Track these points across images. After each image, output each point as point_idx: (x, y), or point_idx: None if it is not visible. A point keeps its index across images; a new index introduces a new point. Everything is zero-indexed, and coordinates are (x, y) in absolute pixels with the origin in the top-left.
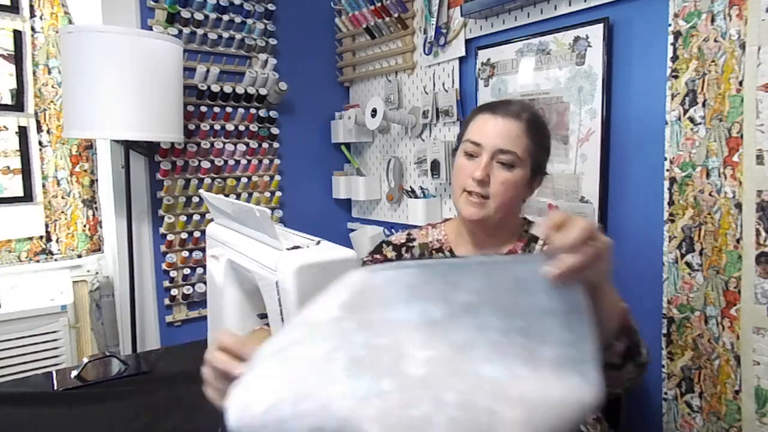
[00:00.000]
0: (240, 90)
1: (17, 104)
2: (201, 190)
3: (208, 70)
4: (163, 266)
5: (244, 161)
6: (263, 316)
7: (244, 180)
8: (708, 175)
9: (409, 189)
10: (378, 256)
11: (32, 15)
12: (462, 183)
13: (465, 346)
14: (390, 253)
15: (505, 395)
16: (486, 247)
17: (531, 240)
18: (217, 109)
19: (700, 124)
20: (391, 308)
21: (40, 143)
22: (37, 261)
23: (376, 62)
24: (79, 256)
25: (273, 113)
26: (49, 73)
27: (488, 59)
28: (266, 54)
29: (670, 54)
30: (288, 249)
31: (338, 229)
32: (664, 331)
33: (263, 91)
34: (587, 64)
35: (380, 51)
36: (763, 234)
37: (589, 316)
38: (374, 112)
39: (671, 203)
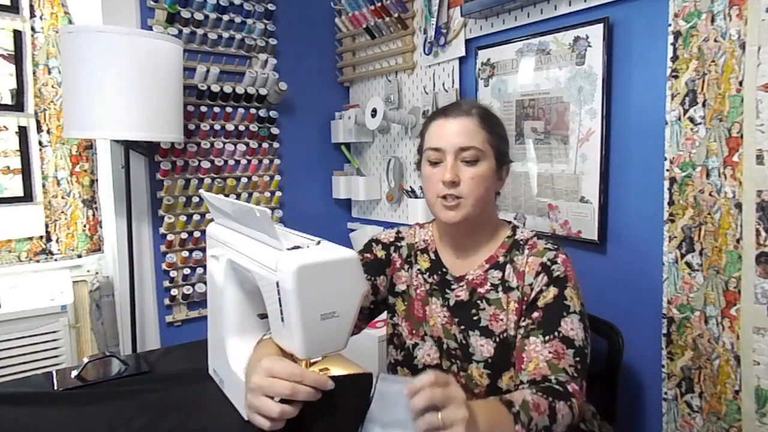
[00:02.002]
0: (240, 90)
1: (17, 104)
2: (201, 190)
3: (208, 70)
4: (163, 266)
5: (244, 161)
6: (263, 316)
7: (244, 180)
8: (708, 175)
9: (409, 189)
10: (368, 255)
11: (32, 15)
12: (434, 191)
13: None
14: (380, 252)
15: None
16: (466, 248)
17: (513, 247)
18: (217, 109)
19: (700, 124)
20: None
21: (40, 143)
22: (37, 261)
23: (376, 62)
24: (79, 256)
25: (273, 113)
26: (49, 73)
27: (488, 59)
28: (266, 54)
29: (670, 54)
30: (288, 249)
31: (338, 229)
32: (664, 331)
33: (263, 91)
34: (587, 64)
35: (380, 51)
36: (763, 234)
37: None
38: (374, 112)
39: (671, 203)
